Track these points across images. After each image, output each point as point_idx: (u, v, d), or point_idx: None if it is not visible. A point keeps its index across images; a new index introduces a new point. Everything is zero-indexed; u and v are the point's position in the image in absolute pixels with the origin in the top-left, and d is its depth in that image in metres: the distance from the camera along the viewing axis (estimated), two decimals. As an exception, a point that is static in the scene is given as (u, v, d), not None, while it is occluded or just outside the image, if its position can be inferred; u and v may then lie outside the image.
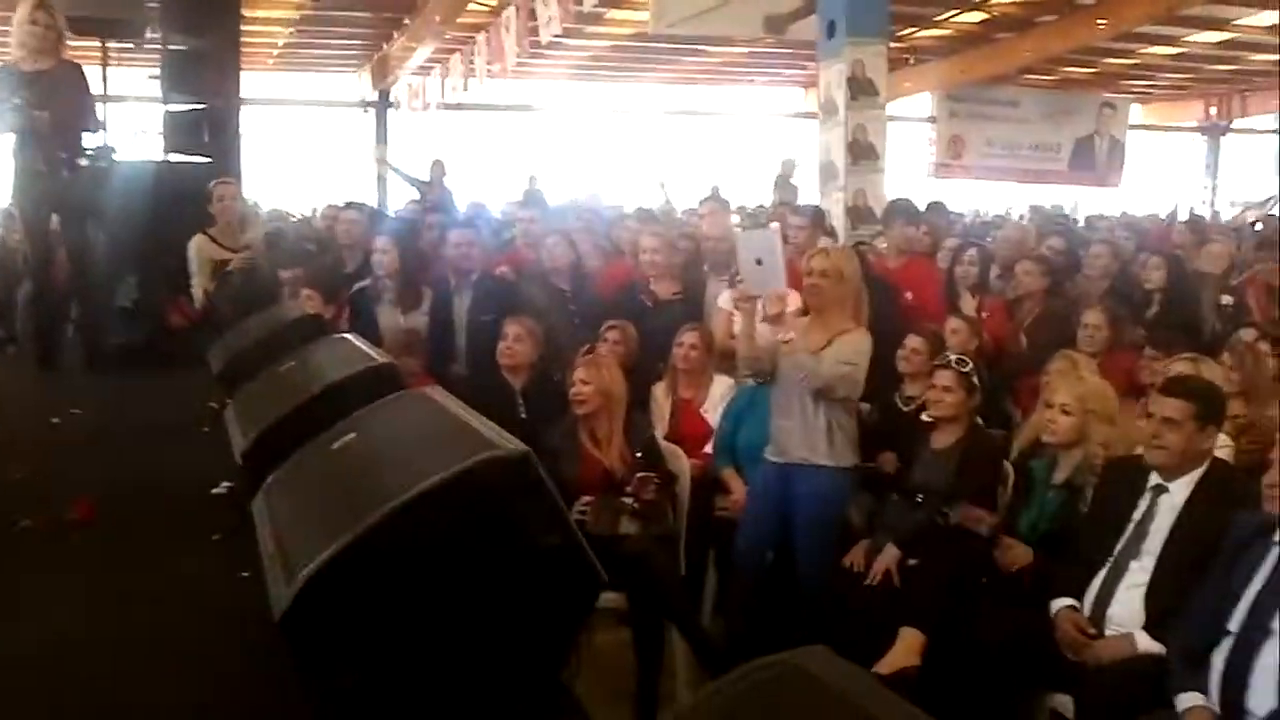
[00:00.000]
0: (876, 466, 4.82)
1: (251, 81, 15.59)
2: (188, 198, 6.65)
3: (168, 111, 7.43)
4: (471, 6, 13.22)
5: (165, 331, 6.59)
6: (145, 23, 7.38)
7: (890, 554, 4.19)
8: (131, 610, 2.93)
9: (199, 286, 6.42)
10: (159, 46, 7.60)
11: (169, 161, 7.32)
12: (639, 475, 4.36)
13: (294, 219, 12.12)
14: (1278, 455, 3.07)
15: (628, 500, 4.36)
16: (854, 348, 4.41)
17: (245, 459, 3.07)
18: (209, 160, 7.23)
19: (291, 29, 15.44)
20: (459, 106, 17.13)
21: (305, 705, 2.14)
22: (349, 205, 6.73)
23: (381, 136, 18.66)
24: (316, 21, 15.04)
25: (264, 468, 2.70)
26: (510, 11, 12.42)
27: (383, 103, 18.58)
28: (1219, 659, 3.04)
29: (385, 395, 2.75)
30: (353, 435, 2.47)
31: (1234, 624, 3.03)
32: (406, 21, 14.71)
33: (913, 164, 18.76)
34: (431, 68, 16.46)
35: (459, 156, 15.78)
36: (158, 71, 7.55)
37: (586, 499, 4.37)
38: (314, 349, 3.70)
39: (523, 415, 5.03)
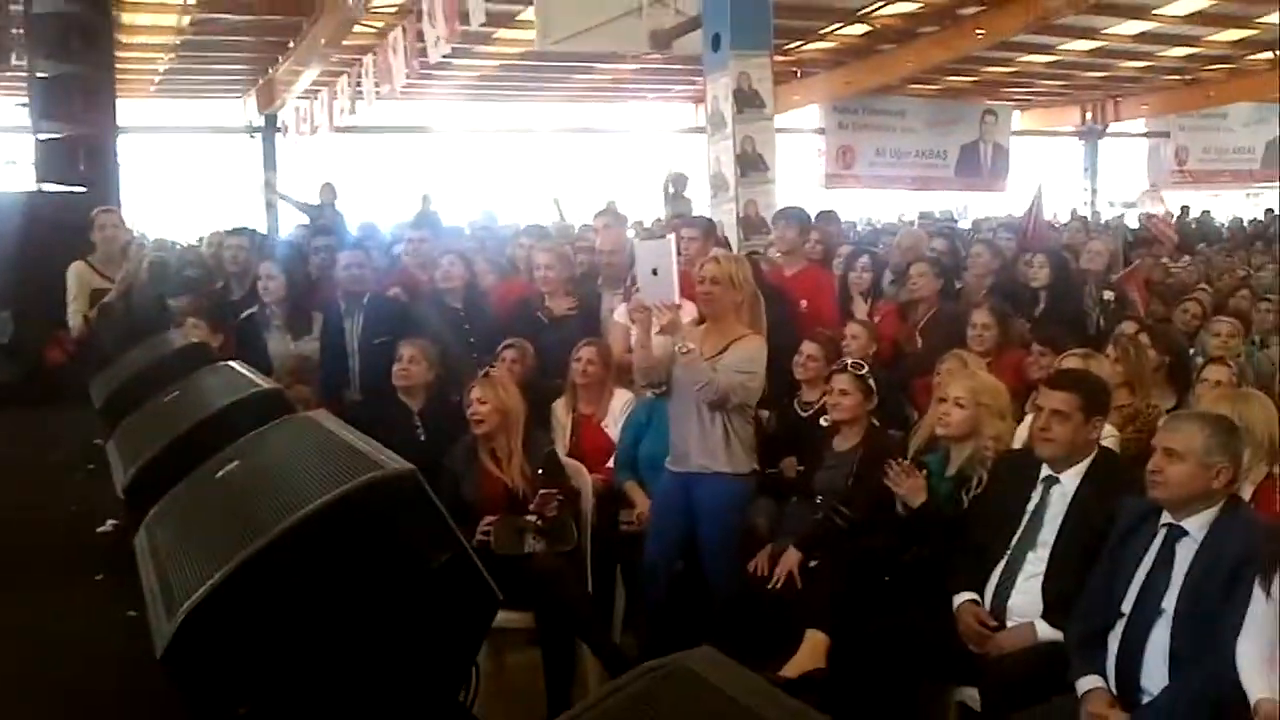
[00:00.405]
0: (778, 472, 4.85)
1: (132, 109, 15.24)
2: (63, 228, 6.43)
3: (39, 140, 7.18)
4: (357, 29, 13.06)
5: (44, 368, 6.35)
6: (11, 48, 7.13)
7: (791, 557, 4.21)
8: (8, 649, 2.80)
9: (76, 314, 6.19)
10: (26, 73, 7.35)
11: (42, 191, 7.07)
12: (541, 493, 4.32)
13: (179, 247, 11.81)
14: (1160, 443, 3.15)
15: (531, 518, 4.32)
16: (749, 354, 4.43)
17: (128, 493, 2.96)
18: (85, 190, 7.00)
19: (172, 55, 15.09)
20: (349, 129, 16.91)
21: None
22: (234, 231, 6.58)
23: (270, 162, 18.33)
24: (197, 47, 14.73)
25: (148, 502, 2.60)
26: (397, 33, 12.32)
27: (270, 128, 18.27)
28: (1114, 641, 3.11)
29: (272, 421, 2.67)
30: (237, 463, 2.40)
31: (1126, 606, 3.11)
32: (291, 45, 14.47)
33: (805, 176, 19.08)
34: (319, 91, 16.22)
35: (351, 180, 15.58)
36: (26, 99, 7.30)
37: (489, 519, 4.32)
38: (198, 378, 3.60)
39: (421, 438, 4.97)
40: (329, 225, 9.51)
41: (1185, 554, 3.05)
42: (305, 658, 1.90)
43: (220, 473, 2.38)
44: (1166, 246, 11.11)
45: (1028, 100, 22.31)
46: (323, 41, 12.93)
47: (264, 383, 3.22)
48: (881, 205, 19.70)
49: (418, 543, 1.88)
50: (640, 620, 4.70)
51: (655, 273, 4.39)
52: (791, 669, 3.72)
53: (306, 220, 11.45)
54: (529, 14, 9.72)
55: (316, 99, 16.57)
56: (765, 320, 4.74)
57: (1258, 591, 2.74)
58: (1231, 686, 2.75)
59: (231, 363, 3.63)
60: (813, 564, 4.19)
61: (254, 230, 8.11)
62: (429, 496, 1.88)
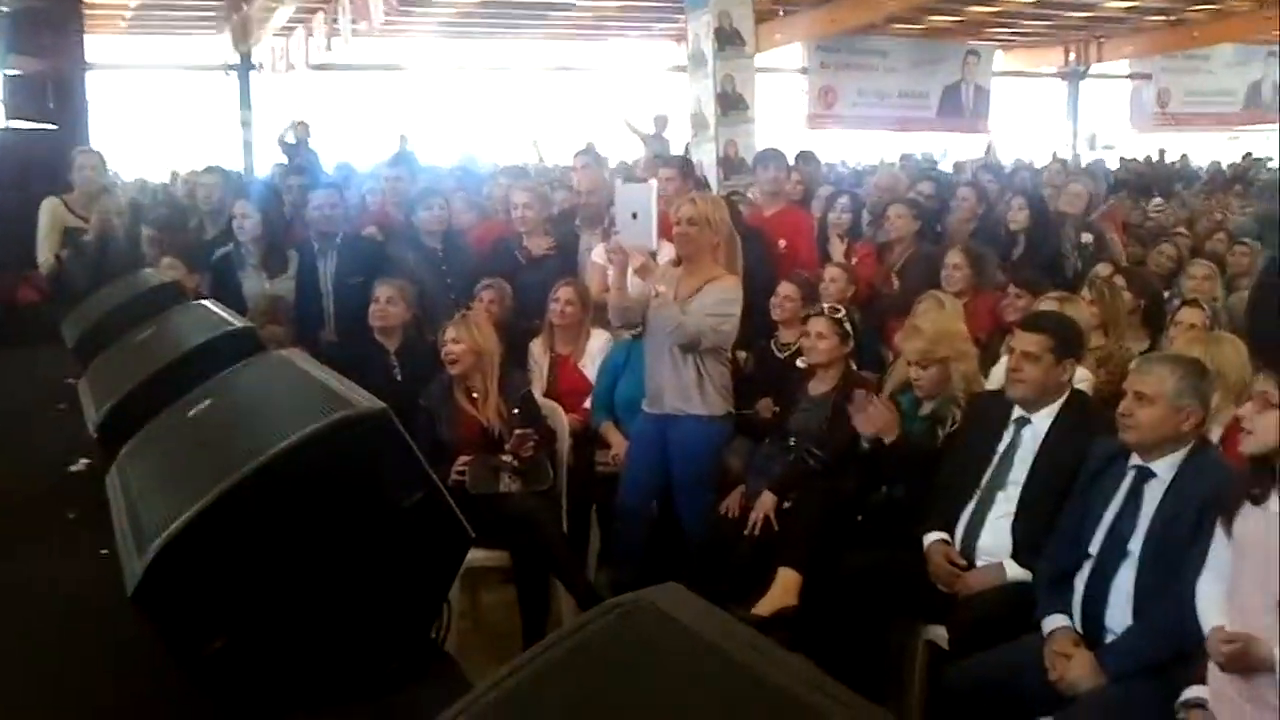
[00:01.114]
0: (754, 413, 4.88)
1: (104, 45, 14.97)
2: (33, 166, 6.33)
3: (6, 76, 7.04)
4: (334, -37, 12.83)
5: (15, 307, 6.29)
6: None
7: (767, 500, 4.24)
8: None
9: (48, 252, 6.12)
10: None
11: (11, 129, 6.95)
12: (517, 432, 4.34)
13: (154, 186, 11.67)
14: (1131, 386, 3.17)
15: (507, 458, 4.34)
16: (723, 295, 4.43)
17: (100, 432, 2.95)
18: (55, 127, 6.88)
19: (143, -11, 14.80)
20: (325, 67, 16.62)
21: (175, 675, 2.07)
22: (207, 170, 6.48)
23: (245, 100, 18.02)
24: (170, -19, 14.43)
25: (121, 441, 2.59)
26: (376, -34, 12.09)
27: (245, 65, 17.91)
28: (1080, 582, 3.16)
29: (245, 360, 2.66)
30: (209, 401, 2.39)
31: (1094, 547, 3.15)
32: (267, -22, 14.21)
33: (788, 116, 18.94)
34: (294, 28, 15.93)
35: (328, 118, 15.38)
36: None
37: (465, 458, 4.33)
38: (171, 316, 3.57)
39: (398, 377, 4.97)
40: (305, 165, 9.40)
41: (1153, 495, 3.08)
42: (277, 595, 1.91)
43: (192, 411, 2.38)
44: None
45: (1011, 41, 22.13)
46: (298, -24, 12.70)
47: (237, 321, 3.21)
48: (863, 146, 19.59)
49: (389, 481, 1.88)
50: (615, 560, 4.75)
51: (635, 216, 4.37)
52: (764, 607, 3.78)
53: (284, 159, 11.34)
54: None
55: (292, 36, 16.28)
56: (742, 261, 4.74)
57: (1219, 533, 2.78)
58: (1193, 625, 2.80)
59: (205, 301, 3.61)
60: (786, 505, 4.23)
61: (228, 169, 8.01)
62: (401, 435, 1.88)
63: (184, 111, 17.86)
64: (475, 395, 4.49)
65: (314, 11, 14.81)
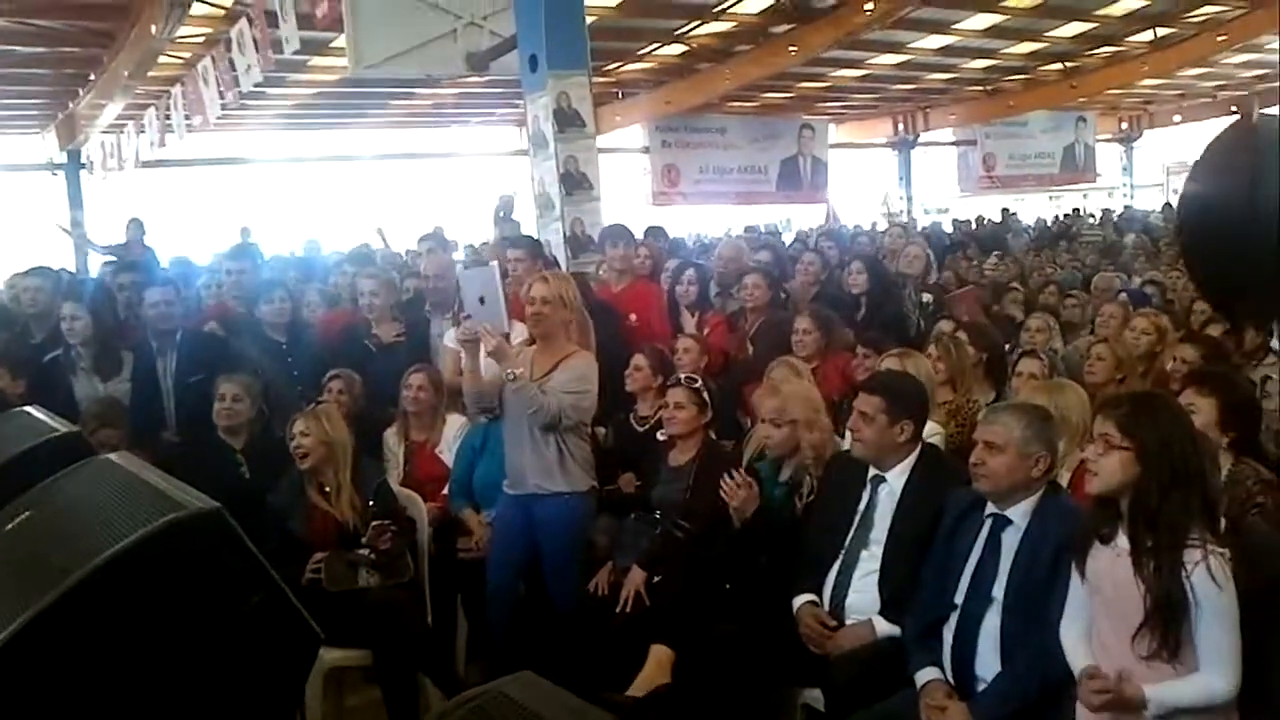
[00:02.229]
0: (616, 488, 4.83)
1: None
2: None
3: None
4: (162, 60, 12.53)
5: None
6: None
7: (636, 575, 4.19)
8: None
9: None
10: None
11: None
12: (374, 525, 4.21)
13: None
14: (980, 436, 3.24)
15: (364, 552, 4.20)
16: (579, 372, 4.41)
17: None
18: None
19: (-40, 89, 14.22)
20: (161, 164, 16.21)
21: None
22: (30, 272, 6.15)
23: (76, 200, 17.39)
24: (-10, 81, 13.89)
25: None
26: (206, 62, 11.85)
27: (73, 163, 17.33)
28: (949, 632, 3.18)
29: (71, 466, 2.48)
30: (29, 513, 2.22)
31: (959, 597, 3.18)
32: (92, 78, 13.78)
33: (634, 194, 19.27)
34: (124, 125, 15.49)
35: (165, 214, 14.94)
36: None
37: (320, 555, 4.17)
38: (-10, 426, 3.33)
39: (246, 476, 4.77)
40: (140, 263, 9.06)
41: (1011, 542, 3.14)
42: (113, 710, 1.77)
43: (10, 525, 2.20)
44: (968, 251, 11.57)
45: (842, 114, 23.06)
46: (126, 74, 12.34)
47: (61, 427, 3.01)
48: (708, 220, 20.02)
49: (227, 584, 1.76)
50: (486, 647, 4.61)
51: (482, 301, 4.33)
52: (638, 688, 3.69)
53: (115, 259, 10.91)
54: (343, 40, 9.50)
55: (123, 133, 15.83)
56: (594, 337, 4.73)
57: (1075, 574, 2.84)
58: (1059, 666, 2.84)
59: (28, 408, 3.38)
60: (656, 579, 4.18)
61: (57, 270, 7.65)
62: (237, 535, 1.77)
63: (7, 213, 17.09)
64: (328, 489, 4.34)
65: (144, 108, 14.44)
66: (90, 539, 1.83)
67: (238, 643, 1.77)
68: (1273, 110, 19.93)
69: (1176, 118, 26.14)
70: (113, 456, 2.36)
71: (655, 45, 15.33)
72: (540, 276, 4.66)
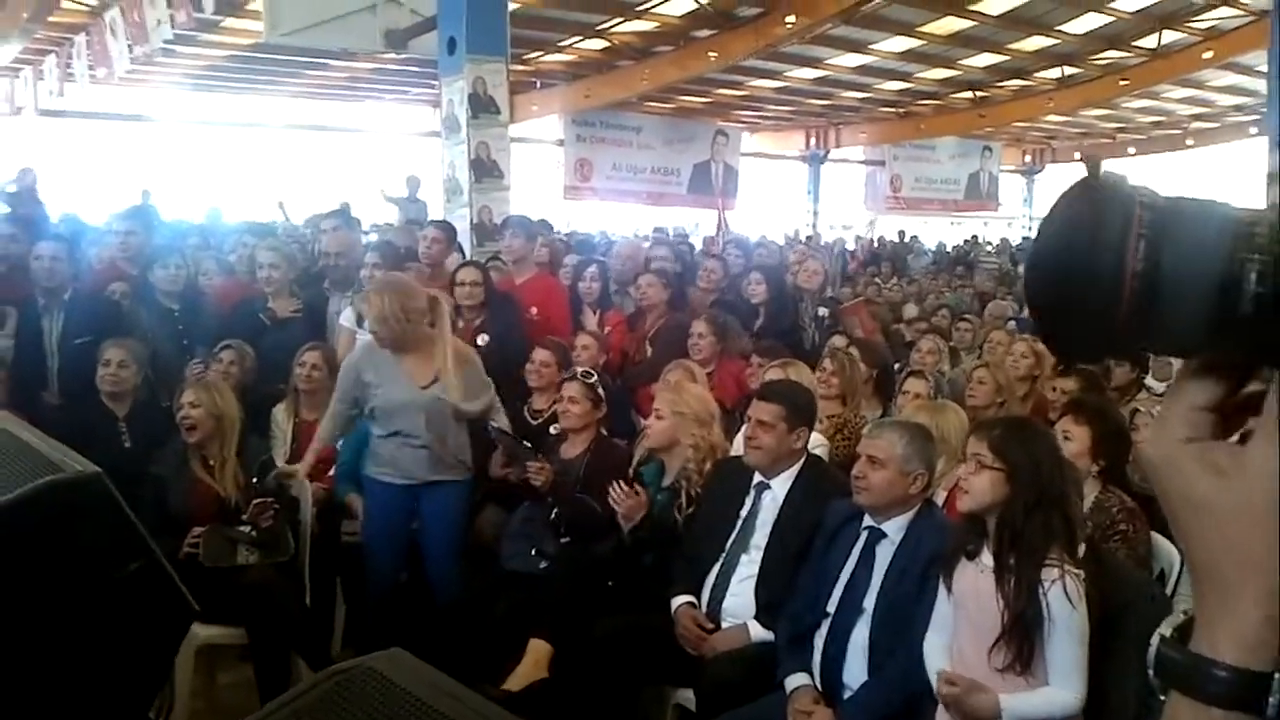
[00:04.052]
0: (504, 478, 4.83)
1: None
2: None
3: None
4: (66, 4, 12.12)
5: None
6: None
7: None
8: None
9: None
10: None
11: None
12: (255, 502, 4.15)
13: None
14: (863, 450, 3.33)
15: (244, 529, 4.14)
16: (474, 371, 4.52)
17: None
18: None
19: None
20: (57, 113, 15.67)
21: None
22: (-89, 218, 5.92)
23: (-36, 144, 16.71)
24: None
25: None
26: (115, 13, 11.53)
27: (-37, 105, 16.68)
28: (819, 640, 3.27)
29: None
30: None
31: (831, 606, 3.27)
32: (-11, 17, 13.26)
33: (547, 186, 19.20)
34: (21, 68, 14.94)
35: (60, 167, 14.43)
36: None
37: (199, 530, 4.10)
38: None
39: (126, 444, 4.67)
40: (30, 216, 8.76)
41: (884, 555, 3.24)
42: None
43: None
44: (869, 270, 11.83)
45: (757, 123, 23.30)
46: (25, 15, 11.92)
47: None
48: (617, 219, 20.06)
49: (102, 551, 1.73)
50: (363, 632, 4.58)
51: None
52: (514, 682, 3.71)
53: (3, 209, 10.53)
54: (259, 3, 9.31)
55: (19, 77, 15.27)
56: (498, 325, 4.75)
57: (941, 588, 2.95)
58: (922, 677, 2.94)
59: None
60: (543, 566, 4.20)
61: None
62: (116, 501, 1.74)
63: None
64: (212, 463, 4.27)
65: (44, 54, 13.96)
66: (-41, 500, 1.79)
67: (109, 611, 1.74)
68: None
69: (1077, 155, 26.99)
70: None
71: (576, 38, 15.32)
72: (370, 292, 4.55)
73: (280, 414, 5.10)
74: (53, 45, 13.76)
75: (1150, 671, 0.69)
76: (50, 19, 12.45)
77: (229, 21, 13.04)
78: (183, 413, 4.26)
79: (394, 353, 4.42)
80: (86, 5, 12.47)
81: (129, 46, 11.39)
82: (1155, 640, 0.69)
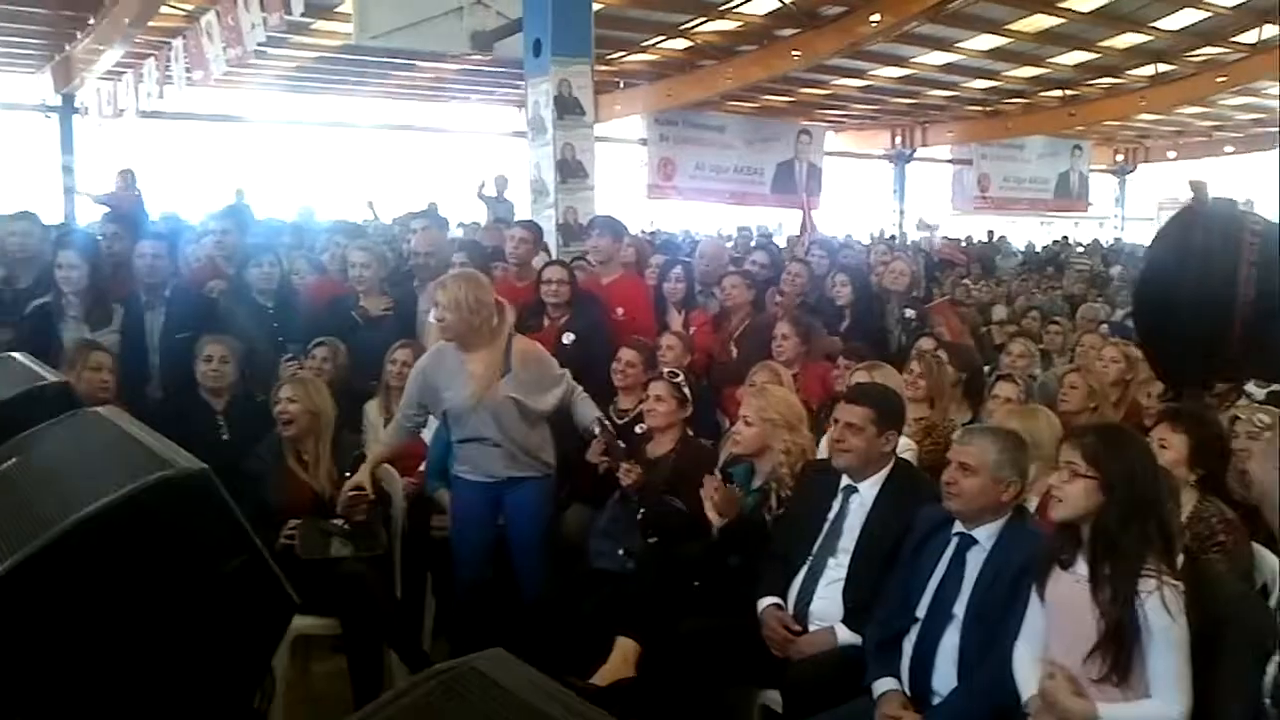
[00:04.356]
0: (592, 475, 4.86)
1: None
2: None
3: None
4: (165, 9, 12.45)
5: None
6: None
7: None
8: None
9: None
10: None
11: None
12: (349, 495, 4.23)
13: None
14: (955, 456, 3.29)
15: (338, 522, 4.22)
16: (542, 365, 4.56)
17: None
18: None
19: (-44, 25, 14.07)
20: (156, 115, 16.10)
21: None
22: (17, 216, 6.10)
23: (67, 145, 17.26)
24: (-15, 17, 13.75)
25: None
26: (210, 17, 11.82)
27: (67, 107, 17.20)
28: (908, 645, 3.24)
29: (57, 416, 2.51)
30: (16, 459, 2.24)
31: (921, 611, 3.23)
32: (91, 21, 13.67)
33: (629, 185, 19.28)
34: (123, 72, 15.38)
35: (158, 167, 14.85)
36: None
37: (295, 522, 4.19)
38: (-24, 370, 3.34)
39: (224, 437, 4.80)
40: (130, 215, 9.03)
41: (975, 562, 3.19)
42: (87, 664, 1.80)
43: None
44: (958, 270, 11.67)
45: (841, 122, 23.12)
46: (126, 21, 12.27)
47: (50, 375, 3.02)
48: (701, 218, 20.06)
49: (209, 545, 1.80)
50: (452, 625, 4.64)
51: None
52: (601, 677, 3.73)
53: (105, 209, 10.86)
54: (349, 6, 9.48)
55: (121, 80, 15.72)
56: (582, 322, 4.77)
57: (1035, 597, 2.90)
58: (1012, 686, 2.90)
59: (16, 354, 3.39)
60: (630, 566, 4.22)
61: (42, 216, 7.59)
62: (222, 497, 1.80)
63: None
64: (306, 458, 4.37)
65: (144, 58, 14.36)
66: (76, 491, 1.86)
67: (215, 603, 1.80)
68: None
69: (1171, 154, 26.35)
70: (101, 410, 2.39)
71: (660, 38, 15.35)
72: (439, 282, 4.57)
73: (372, 410, 5.20)
74: (152, 49, 14.15)
75: (1268, 700, 0.68)
76: (150, 24, 12.81)
77: (319, 24, 13.31)
78: (280, 407, 4.36)
79: (459, 350, 4.43)
80: (184, 10, 12.81)
81: (224, 49, 11.67)
82: (1272, 668, 0.68)
